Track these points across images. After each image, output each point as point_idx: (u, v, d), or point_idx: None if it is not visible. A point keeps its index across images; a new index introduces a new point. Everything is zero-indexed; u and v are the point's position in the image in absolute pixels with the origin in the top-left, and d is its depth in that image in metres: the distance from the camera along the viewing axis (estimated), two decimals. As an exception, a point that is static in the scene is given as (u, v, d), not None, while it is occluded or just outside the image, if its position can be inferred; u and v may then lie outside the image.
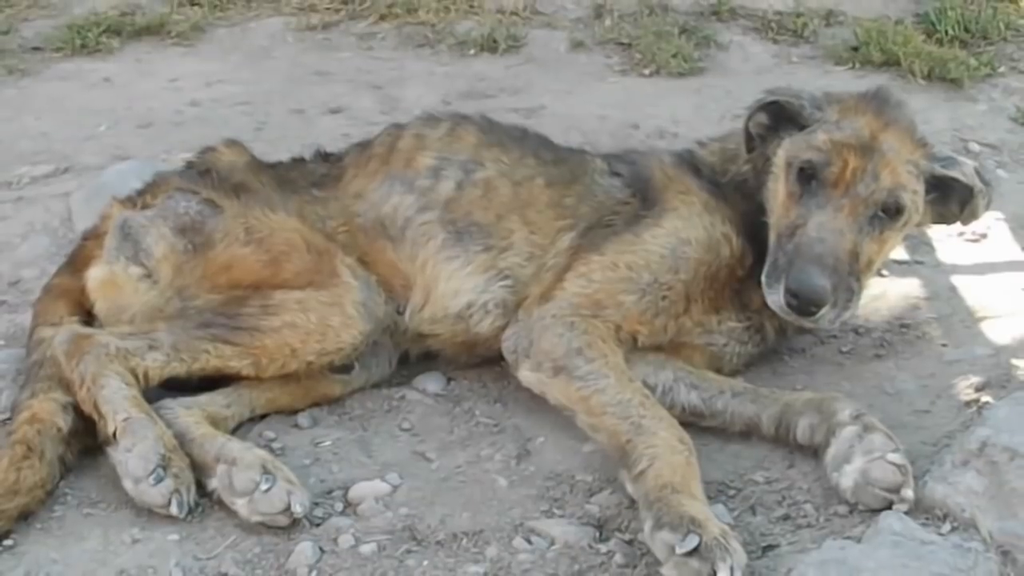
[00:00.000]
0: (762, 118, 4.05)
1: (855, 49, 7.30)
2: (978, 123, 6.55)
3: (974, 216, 4.05)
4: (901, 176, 3.80)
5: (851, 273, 3.73)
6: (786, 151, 3.93)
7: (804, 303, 3.65)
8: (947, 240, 5.11)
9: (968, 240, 5.17)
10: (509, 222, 4.11)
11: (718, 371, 4.04)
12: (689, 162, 4.24)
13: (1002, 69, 7.22)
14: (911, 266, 4.93)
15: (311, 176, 4.33)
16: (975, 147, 6.21)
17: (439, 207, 4.14)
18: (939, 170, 3.92)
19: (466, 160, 4.23)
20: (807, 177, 3.83)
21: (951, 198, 3.99)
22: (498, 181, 4.18)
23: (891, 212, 3.80)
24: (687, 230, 3.95)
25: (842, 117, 3.92)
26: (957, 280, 4.85)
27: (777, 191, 3.94)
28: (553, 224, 4.10)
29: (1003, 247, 5.17)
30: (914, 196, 3.85)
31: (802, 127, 3.95)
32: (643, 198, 4.11)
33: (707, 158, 4.25)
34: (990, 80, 7.05)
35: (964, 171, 3.93)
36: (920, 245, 5.09)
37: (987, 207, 4.04)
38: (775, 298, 3.75)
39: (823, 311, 3.67)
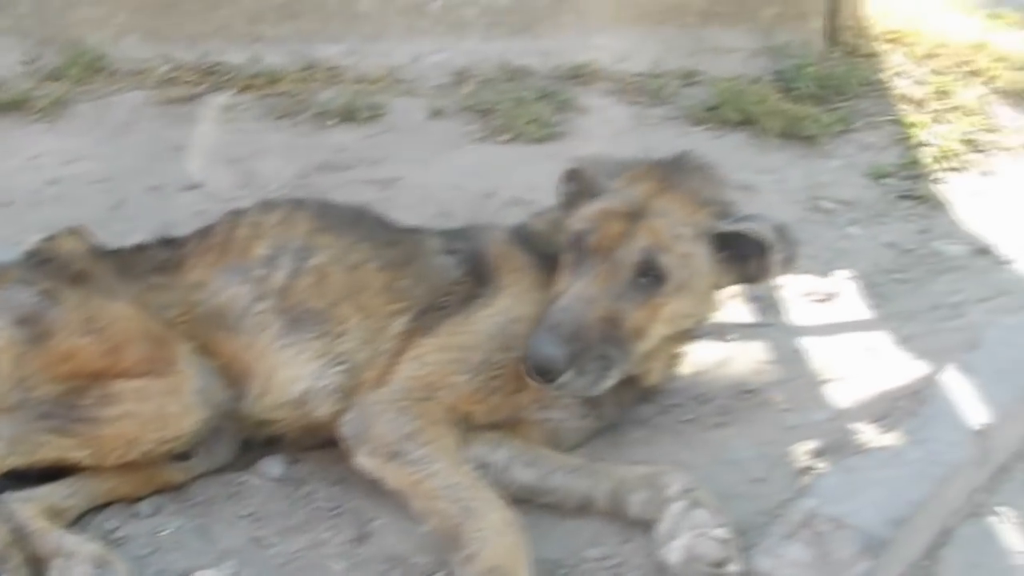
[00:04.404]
0: (568, 186, 4.12)
1: (712, 109, 7.37)
2: (832, 180, 6.66)
3: (767, 273, 4.02)
4: (661, 238, 3.84)
5: (608, 340, 3.76)
6: (570, 222, 4.00)
7: (535, 370, 3.71)
8: (795, 301, 5.18)
9: (816, 300, 5.24)
10: (343, 308, 4.12)
11: (557, 446, 4.06)
12: (523, 236, 4.30)
13: (857, 124, 7.34)
14: (757, 329, 4.98)
15: (152, 263, 4.31)
16: (828, 204, 6.32)
17: (274, 296, 4.15)
18: (722, 227, 3.93)
19: (299, 248, 4.23)
20: (578, 247, 3.90)
21: (748, 256, 3.98)
22: (331, 267, 4.19)
23: (651, 276, 3.83)
24: (517, 308, 3.99)
25: (626, 185, 3.99)
26: (803, 342, 4.90)
27: (564, 263, 3.98)
28: (387, 308, 4.12)
29: (851, 307, 5.25)
30: (684, 258, 3.87)
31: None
32: (477, 276, 4.15)
33: (540, 229, 4.31)
34: (845, 136, 7.18)
35: (755, 227, 3.93)
36: (768, 307, 5.15)
37: (787, 265, 4.01)
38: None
39: (563, 378, 3.70)
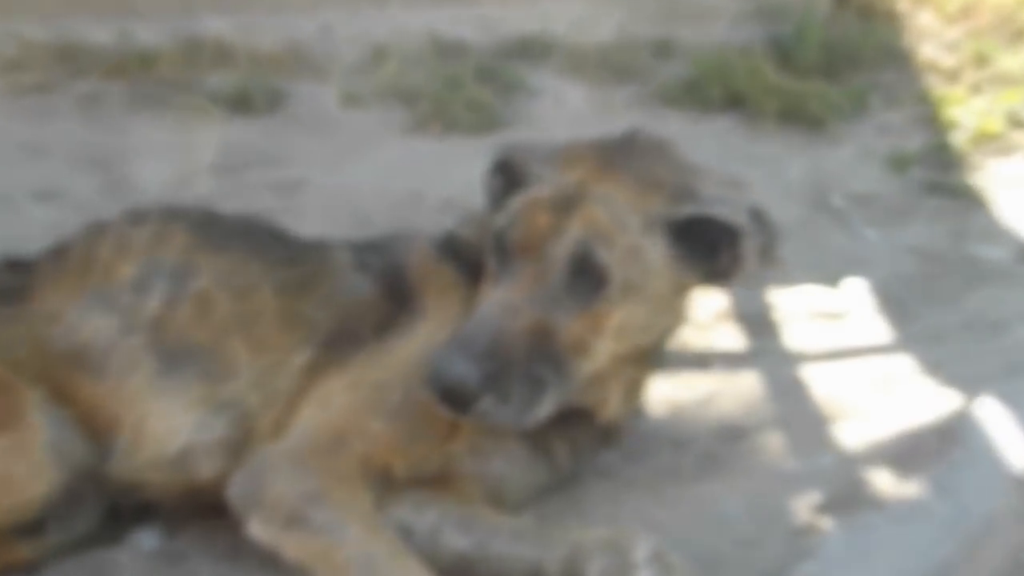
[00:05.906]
0: (496, 180, 4.14)
1: (693, 87, 7.43)
2: (844, 171, 6.72)
3: (742, 265, 3.87)
4: (599, 228, 3.77)
5: (539, 358, 3.72)
6: (494, 221, 3.99)
7: (442, 395, 3.66)
8: (796, 320, 5.21)
9: (823, 319, 5.27)
10: (232, 341, 4.11)
11: (499, 505, 4.06)
12: (450, 246, 4.29)
13: (874, 102, 7.39)
14: (750, 356, 5.02)
15: (-5, 292, 4.32)
16: (838, 201, 6.35)
17: (147, 328, 4.13)
18: (678, 213, 3.84)
19: (177, 268, 4.22)
20: (500, 247, 3.88)
21: (716, 248, 3.88)
22: (216, 292, 4.18)
23: (589, 276, 3.77)
24: (444, 334, 3.92)
25: (560, 171, 3.93)
26: (805, 371, 4.93)
27: (488, 269, 3.98)
28: (284, 340, 4.12)
29: (863, 326, 5.28)
30: (630, 253, 3.80)
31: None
32: (395, 297, 4.16)
33: (468, 236, 4.29)
34: (859, 117, 7.23)
35: (721, 209, 3.83)
36: (763, 329, 5.18)
37: (765, 254, 3.89)
38: None
39: (480, 404, 3.65)
